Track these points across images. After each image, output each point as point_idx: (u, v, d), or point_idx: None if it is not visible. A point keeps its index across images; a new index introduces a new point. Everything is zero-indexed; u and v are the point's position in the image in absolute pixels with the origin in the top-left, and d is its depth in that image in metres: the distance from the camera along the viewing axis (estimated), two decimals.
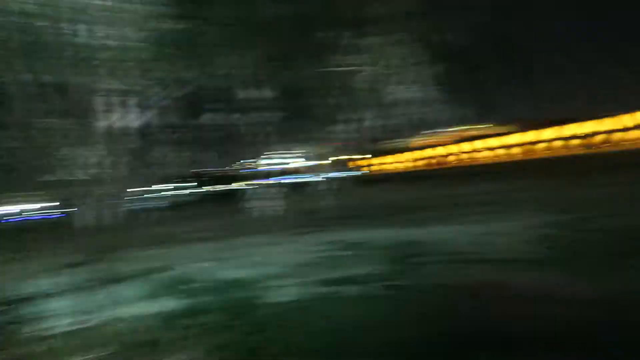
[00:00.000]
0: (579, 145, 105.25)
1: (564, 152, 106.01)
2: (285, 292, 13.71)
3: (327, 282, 14.49)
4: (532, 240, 16.85)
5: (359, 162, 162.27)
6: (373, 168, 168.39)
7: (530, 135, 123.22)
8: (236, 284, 16.03)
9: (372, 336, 8.80)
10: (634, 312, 7.98)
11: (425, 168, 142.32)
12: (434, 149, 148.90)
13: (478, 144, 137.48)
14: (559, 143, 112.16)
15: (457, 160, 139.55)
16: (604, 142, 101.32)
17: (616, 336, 6.65)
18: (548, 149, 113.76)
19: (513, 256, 14.79)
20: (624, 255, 12.75)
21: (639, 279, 10.40)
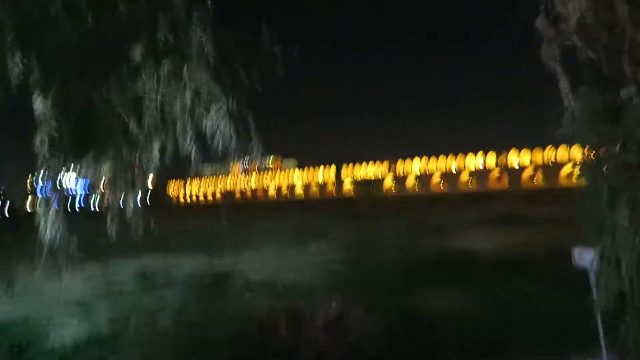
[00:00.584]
0: (359, 188, 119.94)
1: (348, 193, 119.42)
2: (67, 330, 12.17)
3: (113, 317, 13.35)
4: (319, 272, 18.53)
5: (162, 188, 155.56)
6: (176, 195, 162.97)
7: (315, 172, 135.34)
8: (9, 325, 13.48)
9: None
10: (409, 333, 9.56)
11: (225, 198, 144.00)
12: (232, 179, 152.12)
13: (277, 178, 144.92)
14: (346, 184, 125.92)
15: (256, 192, 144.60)
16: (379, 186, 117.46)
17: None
18: (335, 189, 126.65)
19: (306, 287, 16.00)
20: (395, 287, 14.98)
21: (408, 308, 12.30)
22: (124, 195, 5.69)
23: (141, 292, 16.56)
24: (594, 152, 5.62)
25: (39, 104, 4.25)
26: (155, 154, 4.26)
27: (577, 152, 6.03)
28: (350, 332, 7.25)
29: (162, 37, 4.10)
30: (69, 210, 5.14)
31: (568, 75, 5.48)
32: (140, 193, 5.76)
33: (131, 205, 5.54)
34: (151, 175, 5.42)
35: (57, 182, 5.18)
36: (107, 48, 4.67)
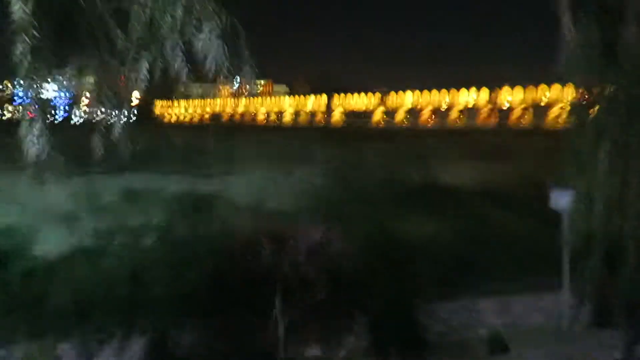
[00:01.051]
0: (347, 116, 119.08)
1: (338, 123, 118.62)
2: (52, 241, 12.37)
3: (99, 230, 13.55)
4: (299, 194, 18.82)
5: (150, 105, 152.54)
6: (164, 113, 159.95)
7: (306, 100, 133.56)
8: None
9: (150, 283, 8.67)
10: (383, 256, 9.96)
11: (213, 120, 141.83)
12: (221, 101, 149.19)
13: (267, 103, 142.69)
14: (336, 113, 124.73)
15: (245, 116, 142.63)
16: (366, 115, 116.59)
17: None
18: (325, 118, 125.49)
19: (286, 208, 16.34)
20: (378, 213, 15.37)
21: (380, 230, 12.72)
22: (109, 110, 5.57)
23: (126, 209, 16.73)
24: (586, 90, 5.61)
25: (18, 8, 4.01)
26: (143, 69, 4.11)
27: (568, 93, 6.04)
28: (332, 258, 7.51)
29: None
30: (52, 120, 5.01)
31: (572, 8, 5.32)
32: (126, 109, 5.64)
33: (117, 120, 5.43)
34: (138, 92, 5.30)
35: (39, 90, 5.03)
36: None
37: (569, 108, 6.43)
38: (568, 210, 6.73)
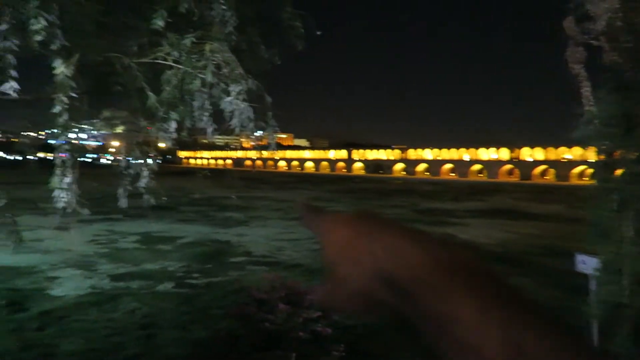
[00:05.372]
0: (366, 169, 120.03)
1: (358, 173, 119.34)
2: (70, 285, 12.43)
3: (115, 277, 13.62)
4: (315, 248, 18.56)
5: (175, 153, 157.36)
6: (184, 160, 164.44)
7: (326, 153, 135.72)
8: (12, 271, 13.76)
9: (160, 337, 8.57)
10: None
11: (233, 168, 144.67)
12: (241, 151, 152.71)
13: (280, 153, 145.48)
14: (355, 164, 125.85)
15: (263, 165, 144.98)
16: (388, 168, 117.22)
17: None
18: (346, 169, 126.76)
19: (308, 265, 16.13)
20: None
21: None
22: (137, 158, 5.78)
23: (145, 255, 16.87)
24: (607, 157, 5.57)
25: (61, 71, 4.29)
26: (171, 128, 4.31)
27: (591, 154, 6.01)
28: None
29: (185, 7, 4.08)
30: (81, 166, 5.18)
31: (590, 78, 5.41)
32: (152, 157, 5.84)
33: (143, 168, 5.61)
34: (166, 145, 5.50)
35: (72, 139, 5.27)
36: (129, 13, 4.66)
37: (591, 172, 6.38)
38: (595, 277, 6.48)
